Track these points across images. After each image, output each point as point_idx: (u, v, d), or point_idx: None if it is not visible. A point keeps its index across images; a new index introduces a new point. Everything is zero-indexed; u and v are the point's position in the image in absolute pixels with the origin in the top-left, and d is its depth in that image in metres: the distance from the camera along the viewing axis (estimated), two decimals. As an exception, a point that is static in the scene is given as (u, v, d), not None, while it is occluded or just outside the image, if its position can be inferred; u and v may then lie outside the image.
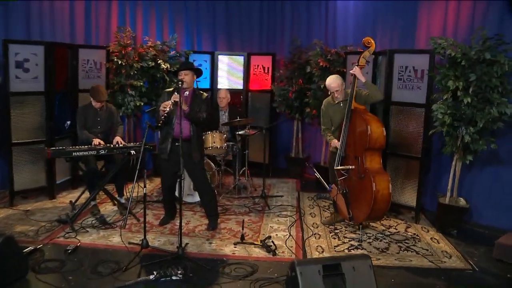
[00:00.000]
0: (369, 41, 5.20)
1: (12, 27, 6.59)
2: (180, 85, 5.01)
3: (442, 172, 5.95)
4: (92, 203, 6.00)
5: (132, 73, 7.12)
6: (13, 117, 6.04)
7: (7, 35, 6.44)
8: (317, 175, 5.27)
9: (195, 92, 5.27)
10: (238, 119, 6.66)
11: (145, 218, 4.75)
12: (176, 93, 4.87)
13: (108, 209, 6.03)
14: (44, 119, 6.31)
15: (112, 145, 5.60)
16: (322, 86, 6.91)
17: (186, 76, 5.12)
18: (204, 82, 8.24)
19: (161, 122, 4.97)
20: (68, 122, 6.66)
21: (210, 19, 8.46)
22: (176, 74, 5.26)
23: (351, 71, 5.19)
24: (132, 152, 5.46)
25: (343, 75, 6.77)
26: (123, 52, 7.12)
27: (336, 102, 5.31)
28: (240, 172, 7.03)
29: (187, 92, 5.22)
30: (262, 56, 8.19)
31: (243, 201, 6.49)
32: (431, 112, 5.30)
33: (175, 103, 4.89)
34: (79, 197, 6.07)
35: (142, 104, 7.33)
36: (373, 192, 4.81)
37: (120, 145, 5.63)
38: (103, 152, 5.45)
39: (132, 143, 5.76)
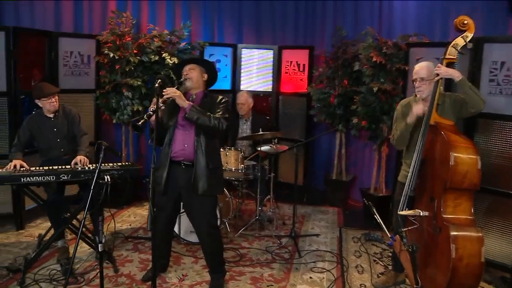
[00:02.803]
0: (465, 21, 3.40)
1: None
2: (182, 84, 3.56)
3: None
4: (59, 243, 4.46)
5: (128, 70, 5.57)
6: (-38, 124, 4.63)
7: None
8: (377, 217, 3.54)
9: (206, 96, 3.71)
10: (260, 132, 5.02)
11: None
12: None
13: (84, 249, 4.49)
14: (7, 127, 4.86)
15: (76, 167, 4.03)
16: (375, 89, 5.18)
17: (191, 72, 3.63)
18: (223, 83, 6.64)
19: (144, 118, 3.25)
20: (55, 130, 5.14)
21: (234, 5, 6.85)
22: (179, 71, 3.72)
23: (435, 71, 3.43)
24: (107, 177, 3.81)
25: (403, 74, 5.05)
26: (118, 42, 5.59)
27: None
28: (264, 201, 5.38)
29: (194, 95, 3.68)
30: (297, 50, 6.48)
31: (266, 242, 4.83)
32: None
33: (163, 102, 3.38)
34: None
35: (141, 109, 5.77)
36: (451, 259, 3.05)
37: (87, 167, 4.05)
38: (65, 177, 3.88)
39: (111, 164, 4.18)
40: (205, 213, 3.60)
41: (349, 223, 5.51)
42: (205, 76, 3.75)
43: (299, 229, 5.28)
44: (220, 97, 3.72)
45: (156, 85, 3.22)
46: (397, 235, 3.48)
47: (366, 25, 5.82)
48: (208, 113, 3.48)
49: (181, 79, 3.63)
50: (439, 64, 3.41)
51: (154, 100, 3.37)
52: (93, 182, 3.14)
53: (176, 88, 3.49)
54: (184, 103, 3.43)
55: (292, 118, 6.54)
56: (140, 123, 3.21)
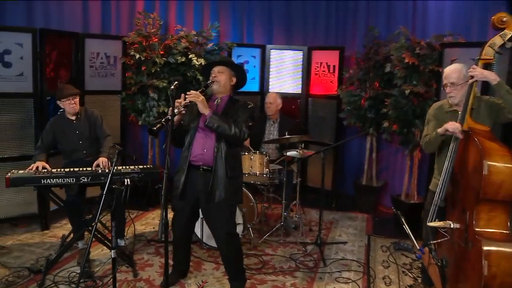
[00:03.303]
0: (503, 18, 3.14)
1: (10, 14, 5.24)
2: (209, 87, 3.43)
3: None
4: (80, 245, 4.44)
5: (154, 71, 5.51)
6: (-10, 125, 4.67)
7: (3, 21, 5.12)
8: (405, 227, 3.34)
9: (231, 100, 3.58)
10: (286, 136, 4.87)
11: None
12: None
13: (104, 252, 4.45)
14: (33, 129, 4.88)
15: (97, 170, 3.99)
16: (407, 92, 4.94)
17: (220, 75, 3.50)
18: (251, 84, 6.51)
19: (161, 123, 3.14)
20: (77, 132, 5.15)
21: (264, 5, 6.71)
22: (207, 73, 3.61)
23: (469, 73, 3.19)
24: (127, 180, 3.75)
25: (437, 76, 4.81)
26: (144, 43, 5.55)
27: (451, 109, 3.38)
28: (291, 206, 5.23)
29: (219, 99, 3.55)
30: (327, 51, 6.28)
31: (291, 249, 4.68)
32: None
33: (185, 106, 3.29)
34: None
35: (167, 110, 5.68)
36: (483, 277, 2.82)
37: (106, 170, 3.99)
38: (85, 180, 3.84)
39: (132, 167, 4.12)
40: (223, 220, 3.47)
41: (378, 231, 5.27)
42: (234, 80, 3.62)
43: (326, 236, 5.10)
44: (247, 103, 3.59)
45: (172, 87, 3.11)
46: (426, 247, 3.30)
47: (399, 25, 5.55)
48: (230, 121, 3.35)
49: (208, 81, 3.52)
50: (474, 66, 3.17)
51: (178, 100, 3.29)
52: (106, 186, 3.05)
53: (201, 91, 3.38)
54: (205, 109, 3.31)
55: (322, 121, 6.36)
56: (155, 128, 3.11)
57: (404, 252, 4.64)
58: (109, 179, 3.06)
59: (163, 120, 3.18)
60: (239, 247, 3.65)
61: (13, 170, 3.90)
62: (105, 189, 3.06)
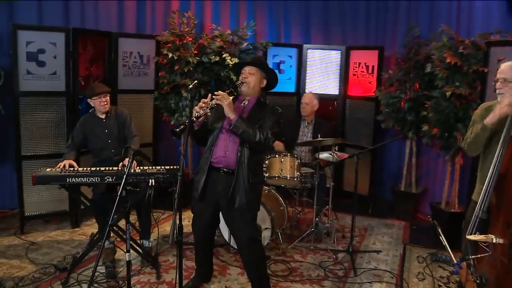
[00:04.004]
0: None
1: (47, 13, 5.33)
2: (238, 87, 3.33)
3: None
4: (106, 243, 4.39)
5: (187, 70, 5.43)
6: (23, 123, 4.73)
7: (41, 21, 5.20)
8: (442, 238, 3.11)
9: (259, 103, 3.44)
10: (319, 138, 4.69)
11: None
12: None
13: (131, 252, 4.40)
14: (65, 127, 4.91)
15: (122, 170, 3.91)
16: (448, 93, 4.66)
17: (250, 76, 3.37)
18: (287, 85, 6.37)
19: (184, 125, 3.05)
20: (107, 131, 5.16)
21: (302, 4, 6.53)
22: (239, 71, 3.49)
23: None
24: (151, 181, 3.68)
25: (482, 77, 4.51)
26: (177, 43, 5.49)
27: None
28: (323, 211, 5.04)
29: (246, 101, 3.42)
30: (366, 51, 6.03)
31: (321, 256, 4.49)
32: None
33: (211, 107, 3.16)
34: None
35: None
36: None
37: (131, 170, 3.91)
38: (109, 179, 3.79)
39: (158, 167, 4.04)
40: (243, 225, 3.32)
41: (416, 240, 4.99)
42: (264, 82, 3.48)
43: (359, 243, 4.87)
44: (275, 107, 3.45)
45: (190, 86, 3.01)
46: (464, 262, 3.06)
47: (442, 23, 5.24)
48: (256, 127, 3.21)
49: (238, 82, 3.39)
50: None
51: (200, 103, 3.18)
52: (120, 187, 2.97)
53: (229, 92, 3.26)
54: (231, 113, 3.18)
55: (359, 123, 6.11)
56: (178, 129, 3.02)
57: (442, 264, 4.36)
58: (123, 180, 2.98)
59: (187, 121, 3.09)
60: (261, 253, 3.49)
61: (40, 168, 3.91)
62: (120, 190, 2.97)
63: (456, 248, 3.43)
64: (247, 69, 3.41)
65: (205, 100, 3.18)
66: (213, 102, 3.16)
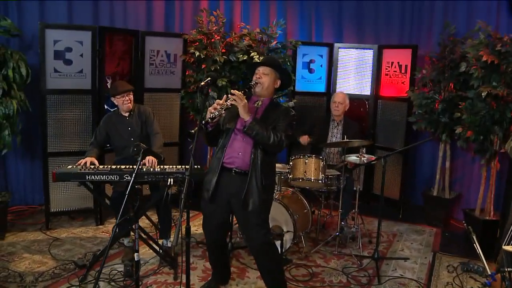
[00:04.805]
0: None
1: (77, 13, 5.40)
2: (252, 88, 3.24)
3: None
4: (126, 241, 4.38)
5: (214, 69, 5.38)
6: (50, 121, 4.79)
7: (70, 20, 5.27)
8: (477, 246, 2.94)
9: (272, 104, 3.35)
10: (345, 140, 4.54)
11: None
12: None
13: (150, 252, 4.35)
14: (90, 125, 4.95)
15: (142, 168, 3.88)
16: (484, 94, 4.42)
17: (264, 77, 3.28)
18: (318, 85, 6.23)
19: (200, 126, 2.98)
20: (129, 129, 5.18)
21: (334, 4, 6.36)
22: (253, 71, 3.40)
23: None
24: (170, 180, 3.64)
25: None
26: (205, 41, 5.44)
27: None
28: (350, 215, 4.88)
29: (260, 102, 3.33)
30: (399, 50, 5.81)
31: (345, 262, 4.33)
32: None
33: (226, 108, 3.09)
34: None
35: (226, 109, 5.55)
36: None
37: (152, 169, 3.89)
38: (128, 177, 3.75)
39: (178, 167, 3.99)
40: (257, 226, 3.21)
41: (447, 248, 4.75)
42: (278, 82, 3.38)
43: (386, 249, 4.68)
44: (289, 109, 3.36)
45: (202, 83, 2.94)
46: (499, 274, 2.88)
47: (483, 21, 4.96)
48: (270, 129, 3.12)
49: (251, 83, 3.30)
50: None
51: (215, 104, 3.11)
52: (129, 186, 2.93)
53: (243, 92, 3.18)
54: (246, 115, 3.08)
55: (391, 125, 5.90)
56: (193, 131, 2.96)
57: (474, 275, 4.11)
58: (132, 178, 2.94)
59: (202, 123, 3.03)
60: (276, 257, 3.37)
61: (62, 165, 3.93)
62: (128, 188, 2.92)
63: (490, 258, 3.25)
64: (261, 69, 3.32)
65: (220, 101, 3.11)
66: (228, 103, 3.08)
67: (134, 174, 2.97)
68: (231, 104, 3.08)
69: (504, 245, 2.82)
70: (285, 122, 3.22)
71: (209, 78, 3.05)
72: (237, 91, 3.09)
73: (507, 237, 2.87)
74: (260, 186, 3.14)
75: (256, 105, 3.32)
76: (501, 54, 4.45)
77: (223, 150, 3.26)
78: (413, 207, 5.89)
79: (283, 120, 3.22)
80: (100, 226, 5.06)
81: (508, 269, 2.81)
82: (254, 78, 3.32)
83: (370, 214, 5.42)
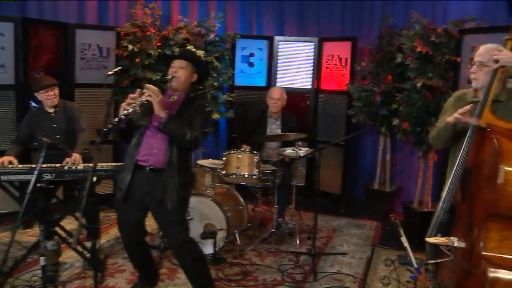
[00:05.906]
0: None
1: (1, 4, 5.02)
2: (167, 82, 3.06)
3: None
4: (49, 245, 4.06)
5: (148, 63, 5.13)
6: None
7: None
8: (403, 240, 2.84)
9: (189, 99, 3.16)
10: (280, 133, 4.41)
11: None
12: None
13: (76, 255, 4.07)
14: (14, 122, 4.61)
15: (63, 166, 3.62)
16: (419, 85, 4.38)
17: (180, 71, 3.09)
18: (257, 79, 6.08)
19: (112, 124, 2.82)
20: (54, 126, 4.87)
21: (275, -4, 6.26)
22: (167, 65, 3.20)
23: (493, 56, 2.63)
24: (94, 178, 3.38)
25: (455, 67, 4.24)
26: (139, 34, 5.19)
27: (475, 99, 2.75)
28: (286, 211, 4.76)
29: (175, 96, 3.14)
30: (339, 43, 5.75)
31: (282, 259, 4.19)
32: None
33: (141, 104, 2.87)
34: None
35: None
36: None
37: (74, 167, 3.62)
38: (48, 176, 3.48)
39: (105, 164, 3.73)
40: (174, 224, 3.03)
41: (386, 242, 4.68)
42: (195, 76, 3.20)
43: (325, 245, 4.59)
44: (204, 105, 3.22)
45: (110, 72, 2.73)
46: (424, 267, 2.81)
47: (419, 13, 4.92)
48: (186, 126, 2.95)
49: (167, 77, 3.11)
50: (500, 47, 2.61)
51: (128, 99, 2.90)
52: (31, 185, 2.68)
53: (158, 87, 2.99)
54: (161, 111, 2.88)
55: (332, 118, 5.82)
56: (106, 129, 2.75)
57: (411, 267, 4.04)
58: (35, 176, 2.68)
59: (116, 120, 2.83)
60: (198, 255, 3.15)
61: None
62: (30, 187, 2.67)
63: (424, 250, 3.17)
64: (177, 63, 3.12)
65: (133, 96, 2.90)
66: (143, 98, 2.88)
67: (36, 172, 2.71)
68: (147, 100, 2.88)
69: (428, 236, 2.73)
70: (201, 118, 3.06)
71: (119, 67, 2.83)
72: (152, 86, 2.90)
73: (430, 228, 2.78)
74: (178, 184, 2.97)
75: (171, 99, 3.13)
76: (435, 45, 4.44)
77: (137, 147, 3.05)
78: (355, 201, 5.83)
79: (198, 116, 3.05)
80: (28, 230, 4.74)
81: (431, 261, 2.74)
82: (169, 72, 3.13)
83: (311, 210, 5.31)
